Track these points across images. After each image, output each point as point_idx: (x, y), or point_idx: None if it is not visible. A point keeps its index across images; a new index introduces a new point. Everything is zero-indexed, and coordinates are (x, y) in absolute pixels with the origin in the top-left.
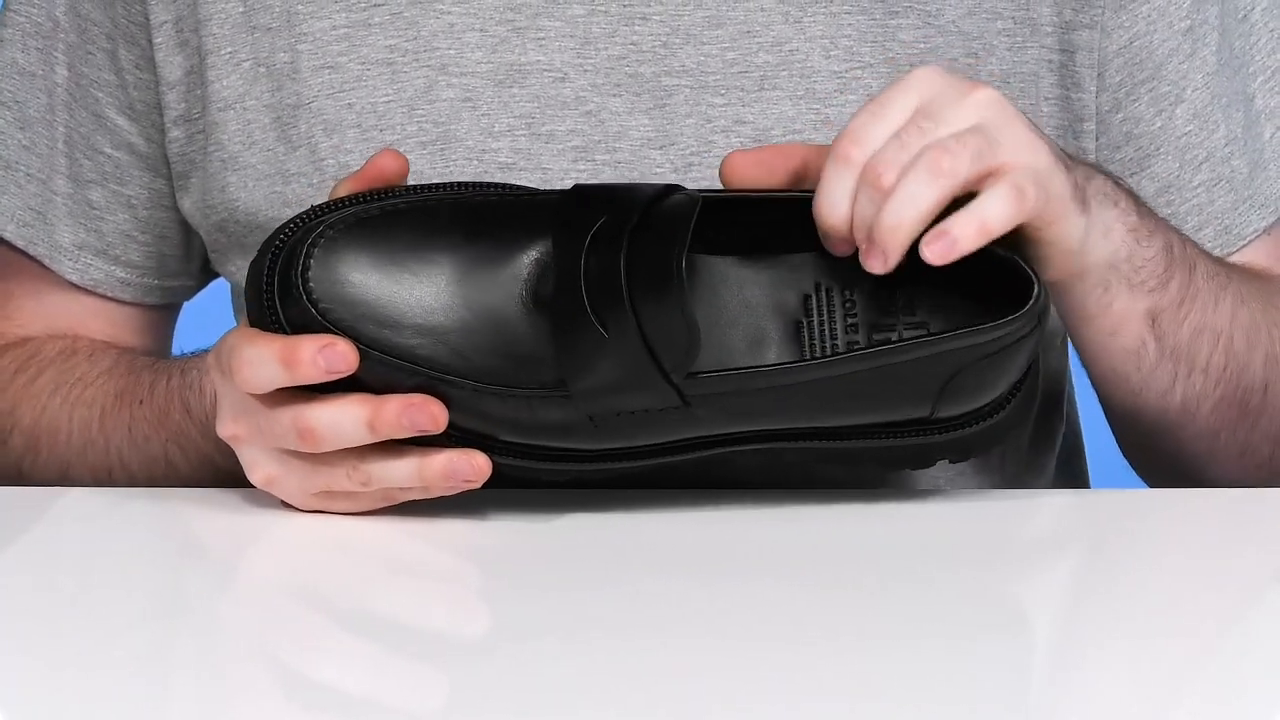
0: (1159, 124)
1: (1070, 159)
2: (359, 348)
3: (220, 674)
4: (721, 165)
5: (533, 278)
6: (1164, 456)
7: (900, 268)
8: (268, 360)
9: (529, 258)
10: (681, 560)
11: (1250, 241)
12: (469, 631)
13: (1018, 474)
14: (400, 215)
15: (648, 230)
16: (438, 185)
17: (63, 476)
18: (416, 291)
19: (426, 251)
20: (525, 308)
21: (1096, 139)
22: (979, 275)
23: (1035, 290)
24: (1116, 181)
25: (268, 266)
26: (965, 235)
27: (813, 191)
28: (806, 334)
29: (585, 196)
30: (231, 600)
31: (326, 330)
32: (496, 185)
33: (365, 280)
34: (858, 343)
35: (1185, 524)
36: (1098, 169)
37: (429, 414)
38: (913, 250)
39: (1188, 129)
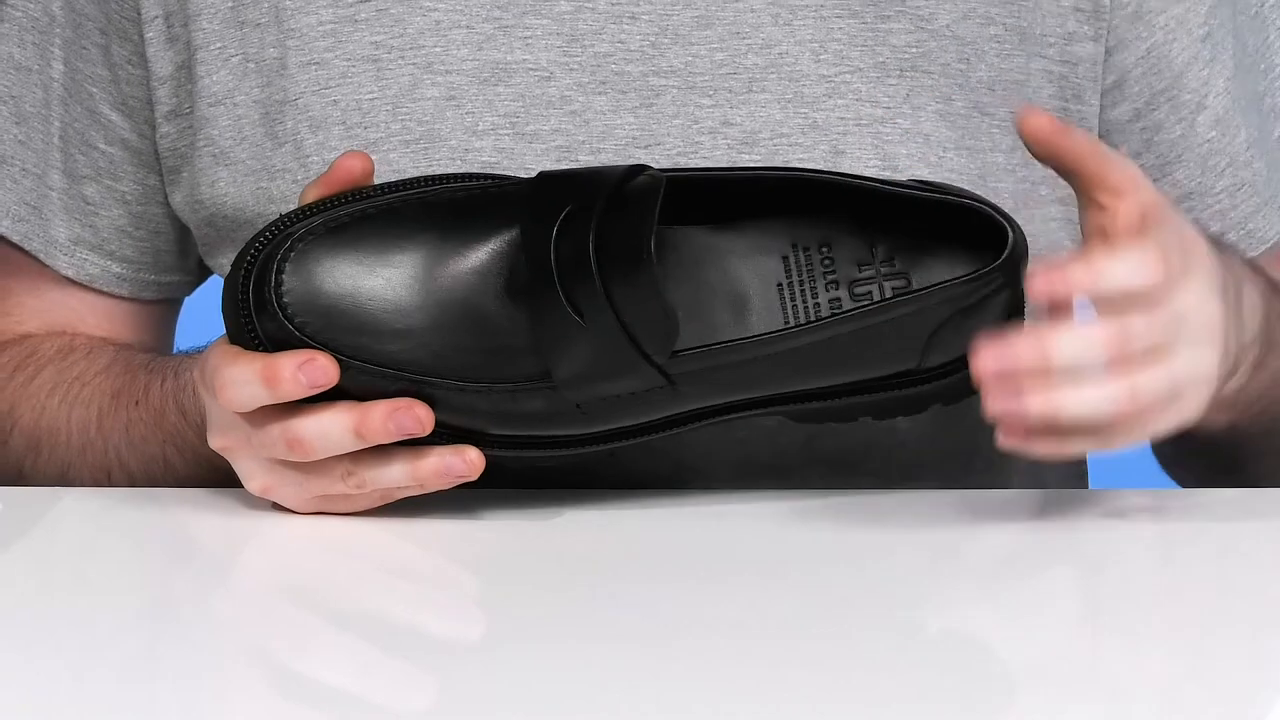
0: (1179, 132)
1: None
2: (339, 358)
3: (217, 674)
4: (1026, 116)
5: (506, 269)
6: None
7: (874, 218)
8: (249, 380)
9: (500, 250)
10: (675, 562)
11: (1272, 244)
12: (462, 632)
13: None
14: (369, 220)
15: (616, 213)
16: (402, 183)
17: (63, 477)
18: (390, 295)
19: (397, 254)
20: (501, 301)
21: (1116, 147)
22: (956, 221)
23: (1010, 239)
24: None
25: (241, 281)
26: (1071, 275)
27: (781, 168)
28: (787, 295)
29: (551, 183)
30: (227, 601)
31: (304, 343)
32: (462, 176)
33: (339, 289)
34: (839, 299)
35: (1184, 523)
36: (1262, 296)
37: (415, 417)
38: (886, 200)
39: (1209, 136)
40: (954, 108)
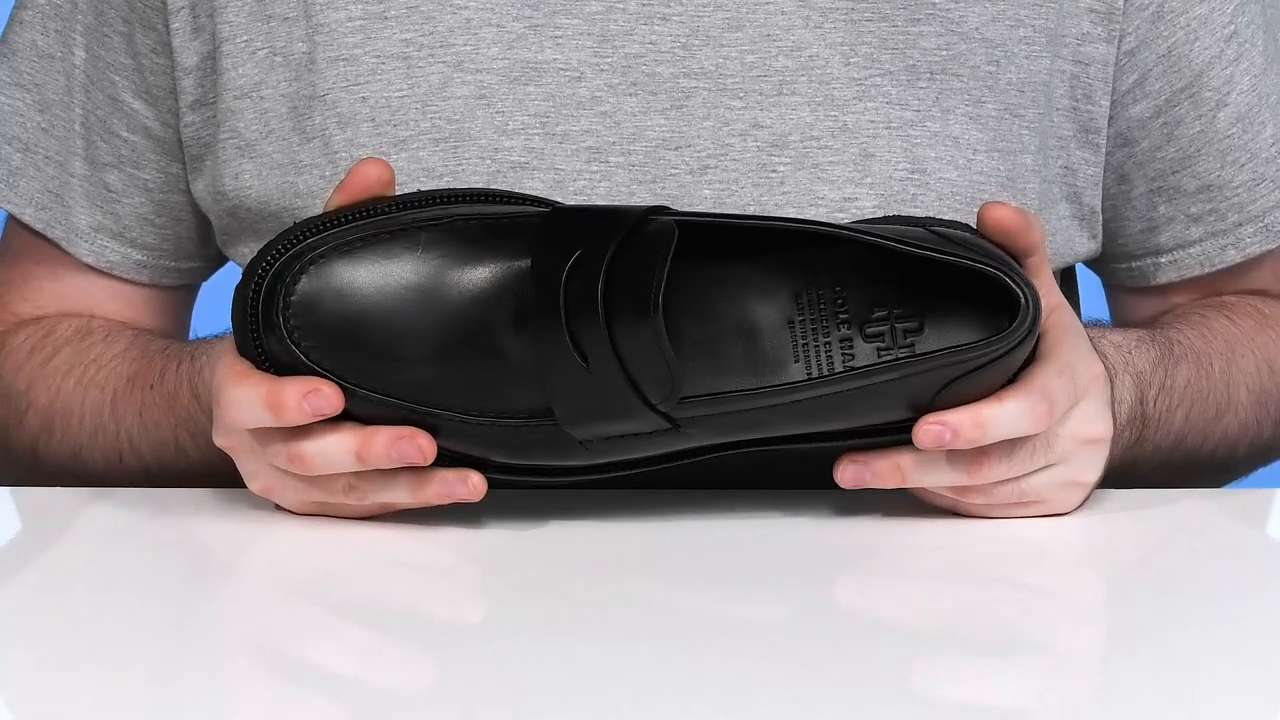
0: (1198, 128)
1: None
2: (344, 385)
3: (222, 666)
4: (986, 208)
5: (514, 305)
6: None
7: (890, 265)
8: (254, 404)
9: (509, 285)
10: (675, 558)
11: None
12: (464, 623)
13: None
14: (379, 243)
15: (627, 259)
16: (417, 199)
17: (74, 458)
18: (397, 323)
19: (406, 282)
20: (508, 335)
21: (1138, 143)
22: (971, 276)
23: (1023, 304)
24: (1141, 403)
25: (251, 298)
26: (961, 432)
27: (797, 220)
28: (799, 332)
29: (565, 220)
30: (235, 597)
31: (309, 369)
32: (481, 193)
33: (346, 314)
34: (850, 339)
35: (1183, 521)
36: (1138, 386)
37: (417, 447)
38: (901, 255)
39: (1230, 131)
40: (985, 110)
